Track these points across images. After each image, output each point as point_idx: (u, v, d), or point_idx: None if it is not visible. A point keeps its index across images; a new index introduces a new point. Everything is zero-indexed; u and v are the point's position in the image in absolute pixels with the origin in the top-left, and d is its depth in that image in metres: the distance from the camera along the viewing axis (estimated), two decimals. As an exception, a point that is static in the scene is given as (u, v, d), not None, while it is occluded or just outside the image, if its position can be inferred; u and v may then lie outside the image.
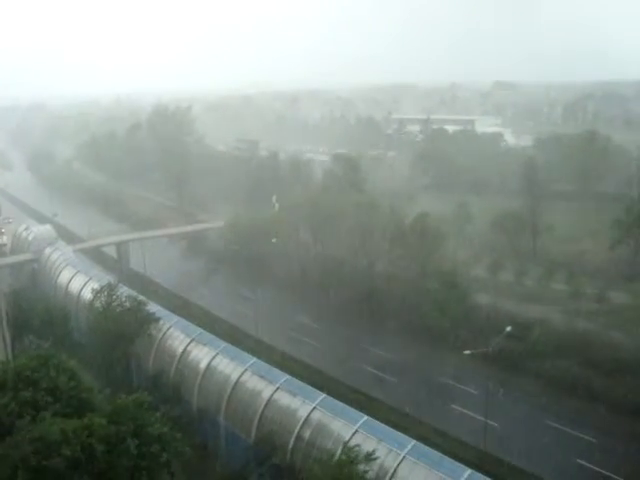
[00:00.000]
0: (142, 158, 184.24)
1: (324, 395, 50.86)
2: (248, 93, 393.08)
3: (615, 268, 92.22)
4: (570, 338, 72.65)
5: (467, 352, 56.24)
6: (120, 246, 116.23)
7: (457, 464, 42.68)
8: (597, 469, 54.07)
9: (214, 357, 58.69)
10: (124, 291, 71.68)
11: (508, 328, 58.76)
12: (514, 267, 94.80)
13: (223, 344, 60.68)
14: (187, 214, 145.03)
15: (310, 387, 52.90)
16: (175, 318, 67.66)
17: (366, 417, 47.47)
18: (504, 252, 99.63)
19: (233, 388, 54.72)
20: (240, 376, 55.14)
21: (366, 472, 40.84)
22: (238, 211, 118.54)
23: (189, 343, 61.96)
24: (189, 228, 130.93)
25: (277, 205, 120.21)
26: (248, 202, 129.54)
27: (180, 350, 61.81)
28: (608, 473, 53.53)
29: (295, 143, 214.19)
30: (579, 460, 55.25)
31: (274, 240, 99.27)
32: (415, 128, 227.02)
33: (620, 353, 69.02)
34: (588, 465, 54.56)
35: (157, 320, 65.94)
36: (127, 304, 66.76)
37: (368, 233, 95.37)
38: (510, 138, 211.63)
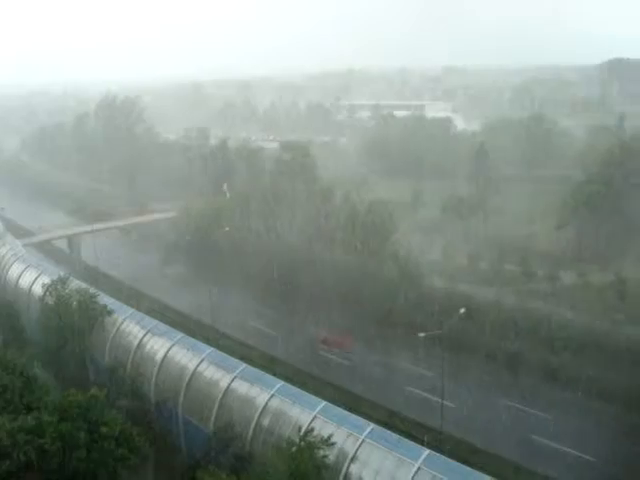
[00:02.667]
0: (91, 149, 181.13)
1: (282, 382, 51.02)
2: (197, 81, 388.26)
3: (564, 248, 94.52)
4: (522, 318, 74.27)
5: (422, 335, 56.94)
6: (71, 239, 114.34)
7: (415, 445, 43.48)
8: (551, 444, 55.69)
9: (170, 348, 58.32)
10: (76, 285, 70.58)
11: (462, 310, 59.70)
12: (467, 250, 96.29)
13: (179, 335, 60.36)
14: (139, 205, 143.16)
15: (268, 375, 53.08)
16: (129, 310, 66.99)
17: (324, 402, 47.86)
18: (457, 235, 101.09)
19: (190, 378, 54.51)
20: (197, 366, 54.95)
21: (326, 457, 41.30)
22: (190, 200, 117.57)
23: (144, 335, 61.43)
24: (141, 219, 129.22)
25: (228, 193, 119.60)
26: (199, 191, 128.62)
27: (136, 343, 61.24)
28: (560, 446, 55.16)
29: (245, 131, 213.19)
30: (534, 436, 56.72)
31: (227, 229, 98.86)
32: (365, 114, 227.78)
33: (571, 331, 70.83)
34: (542, 440, 56.10)
35: (111, 313, 65.19)
36: (79, 298, 65.77)
37: (321, 219, 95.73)
38: (460, 123, 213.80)
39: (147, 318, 65.24)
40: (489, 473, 41.21)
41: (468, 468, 41.20)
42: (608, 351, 66.16)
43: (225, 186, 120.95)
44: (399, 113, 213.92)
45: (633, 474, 50.87)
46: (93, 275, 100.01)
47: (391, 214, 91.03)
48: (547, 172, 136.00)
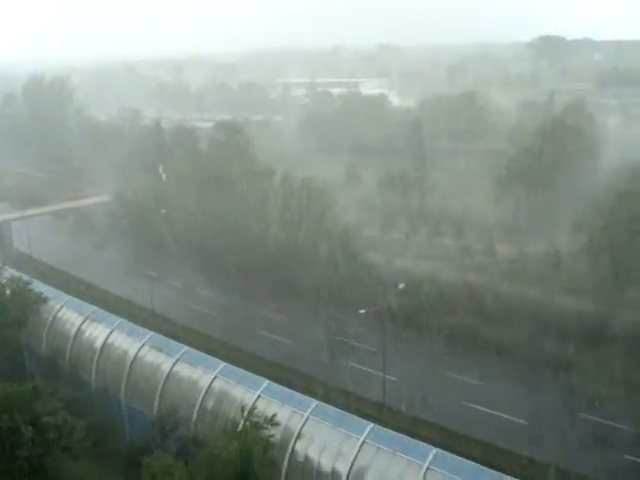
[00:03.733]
0: (19, 132, 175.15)
1: (224, 364, 51.04)
2: (130, 61, 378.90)
3: (500, 221, 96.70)
4: (460, 291, 75.81)
5: (362, 311, 57.60)
6: (2, 226, 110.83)
7: (360, 420, 44.22)
8: (489, 411, 57.44)
9: (110, 334, 57.55)
10: (9, 273, 68.71)
11: (401, 285, 60.59)
12: (404, 225, 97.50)
13: (119, 320, 59.55)
14: (72, 189, 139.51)
15: (210, 357, 52.99)
16: (66, 297, 65.64)
17: (267, 382, 48.13)
18: (394, 211, 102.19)
19: (132, 364, 53.97)
20: (138, 351, 54.43)
21: (271, 436, 41.61)
22: (124, 183, 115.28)
23: (83, 322, 60.38)
24: (75, 204, 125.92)
25: (164, 175, 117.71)
26: (134, 173, 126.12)
27: (74, 330, 60.13)
28: (498, 413, 56.97)
29: (179, 111, 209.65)
30: (473, 405, 58.29)
31: (163, 211, 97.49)
32: (300, 92, 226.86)
33: (508, 303, 72.71)
34: (481, 408, 57.76)
35: (47, 301, 63.71)
36: (13, 287, 63.96)
37: (258, 199, 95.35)
38: (395, 100, 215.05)
39: (85, 304, 64.11)
40: (431, 442, 42.35)
41: (411, 439, 42.23)
42: (543, 321, 68.28)
43: (160, 168, 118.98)
44: (334, 90, 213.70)
45: (561, 432, 52.90)
46: (27, 262, 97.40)
47: (328, 191, 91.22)
48: (481, 147, 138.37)
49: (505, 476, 37.81)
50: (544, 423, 54.80)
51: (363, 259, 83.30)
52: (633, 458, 50.41)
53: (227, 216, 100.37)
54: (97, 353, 56.86)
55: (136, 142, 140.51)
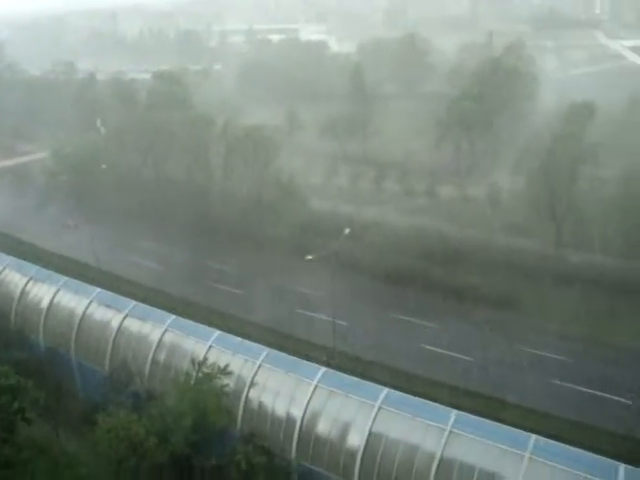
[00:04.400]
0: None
1: (174, 316, 51.03)
2: (61, 13, 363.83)
3: (442, 164, 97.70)
4: (406, 234, 76.72)
5: (309, 257, 57.77)
6: None
7: (312, 365, 45.07)
8: (439, 350, 58.80)
9: (56, 293, 56.83)
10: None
11: (346, 230, 60.86)
12: (347, 170, 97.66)
13: (64, 279, 58.68)
14: (6, 147, 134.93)
15: (159, 310, 52.85)
16: (7, 259, 64.24)
17: (218, 332, 48.42)
18: (337, 157, 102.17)
19: (80, 322, 53.55)
20: (86, 309, 53.97)
21: (225, 386, 42.08)
22: (61, 139, 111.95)
23: (27, 282, 59.39)
24: (10, 162, 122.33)
25: (102, 129, 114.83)
26: (71, 128, 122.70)
27: (18, 291, 59.14)
28: (447, 352, 58.40)
29: (115, 62, 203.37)
30: (423, 344, 59.63)
31: (103, 166, 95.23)
32: (239, 39, 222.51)
33: (452, 244, 74.02)
34: (431, 348, 59.15)
35: (-14, 264, 62.26)
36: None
37: (200, 149, 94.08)
38: (334, 45, 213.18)
39: (28, 265, 62.90)
40: (382, 383, 43.41)
41: (363, 380, 43.25)
42: (484, 260, 69.94)
43: (98, 121, 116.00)
44: (274, 37, 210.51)
45: (498, 366, 54.89)
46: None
47: (270, 139, 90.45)
48: (422, 90, 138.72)
49: (453, 410, 39.13)
50: (488, 358, 56.52)
51: (308, 206, 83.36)
52: (561, 383, 52.57)
53: (169, 168, 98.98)
54: (44, 313, 56.15)
55: (72, 96, 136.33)
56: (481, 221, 79.54)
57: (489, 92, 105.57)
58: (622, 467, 33.39)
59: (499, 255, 71.23)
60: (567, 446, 35.99)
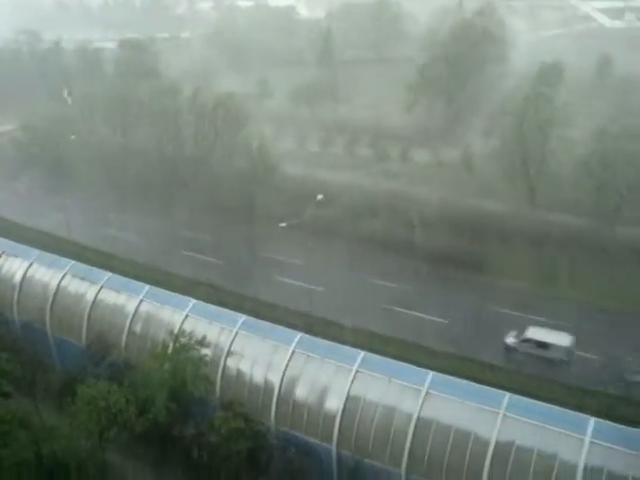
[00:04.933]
0: None
1: (149, 287, 50.87)
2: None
3: (415, 129, 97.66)
4: (378, 199, 76.96)
5: (283, 224, 57.77)
6: None
7: (289, 330, 45.20)
8: (414, 313, 59.56)
9: (29, 267, 56.17)
10: None
11: (319, 196, 60.87)
12: (319, 137, 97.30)
13: (36, 252, 58.01)
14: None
15: (134, 281, 52.66)
16: (-23, 235, 63.28)
17: (194, 301, 48.41)
18: (308, 123, 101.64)
19: (55, 295, 53.17)
20: (60, 282, 53.56)
21: (204, 356, 42.21)
22: (29, 110, 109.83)
23: (-2, 258, 58.63)
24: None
25: (70, 99, 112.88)
26: (37, 100, 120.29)
27: (-11, 267, 58.36)
28: (422, 314, 59.15)
29: (81, 32, 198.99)
30: (397, 307, 60.20)
31: (72, 137, 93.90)
32: (207, 5, 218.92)
33: (425, 208, 74.41)
34: (403, 310, 59.81)
35: (-48, 239, 61.22)
36: None
37: (170, 119, 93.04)
38: (303, 11, 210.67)
39: (-1, 240, 62.05)
40: (359, 347, 43.79)
41: (339, 344, 43.66)
42: (458, 223, 70.50)
43: (66, 92, 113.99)
44: (242, 3, 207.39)
45: (474, 327, 56.05)
46: None
47: (240, 106, 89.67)
48: (394, 55, 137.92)
49: (430, 371, 39.68)
50: (462, 319, 57.31)
51: (281, 173, 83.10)
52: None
53: (140, 138, 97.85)
54: (17, 288, 55.54)
55: (37, 66, 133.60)
56: (454, 184, 79.99)
57: (461, 55, 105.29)
58: (592, 420, 34.25)
59: (472, 217, 71.81)
60: (540, 402, 36.81)
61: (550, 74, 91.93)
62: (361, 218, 73.08)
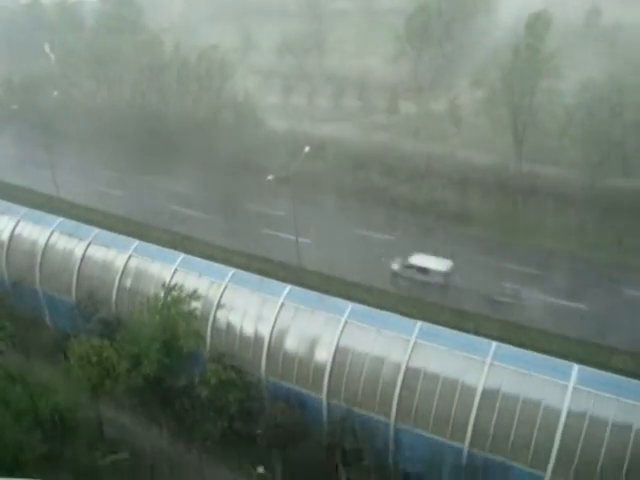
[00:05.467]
0: None
1: (138, 242, 50.95)
2: None
3: (402, 80, 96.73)
4: (367, 151, 76.72)
5: (270, 177, 57.58)
6: None
7: (277, 283, 45.53)
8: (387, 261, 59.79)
9: (17, 225, 56.04)
10: None
11: (306, 149, 60.51)
12: (306, 89, 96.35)
13: (24, 210, 57.78)
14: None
15: (123, 237, 52.67)
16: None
17: (183, 255, 48.61)
18: (294, 75, 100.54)
19: (43, 252, 53.21)
20: (48, 239, 53.54)
21: (194, 310, 42.56)
22: (9, 67, 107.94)
23: (-16, 217, 58.25)
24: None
25: (52, 55, 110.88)
26: (19, 56, 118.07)
27: (-25, 226, 57.99)
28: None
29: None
30: (383, 259, 60.36)
31: (55, 93, 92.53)
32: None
33: (413, 160, 74.27)
34: (388, 261, 60.02)
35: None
36: None
37: (154, 73, 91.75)
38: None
39: (-17, 198, 61.60)
40: (347, 298, 44.31)
41: (328, 296, 44.17)
42: (445, 175, 70.60)
43: (48, 48, 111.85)
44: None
45: (467, 277, 56.29)
46: None
47: (225, 59, 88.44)
48: (382, 6, 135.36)
49: (418, 321, 40.24)
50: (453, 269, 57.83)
51: (267, 126, 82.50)
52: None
53: (124, 93, 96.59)
54: (5, 246, 55.51)
55: (15, 22, 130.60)
56: (442, 136, 79.72)
57: (448, 5, 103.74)
58: (576, 367, 35.00)
59: (459, 169, 71.84)
60: (525, 350, 37.57)
61: (537, 24, 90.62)
62: (348, 170, 72.88)
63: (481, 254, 59.62)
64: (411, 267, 57.24)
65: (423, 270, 56.60)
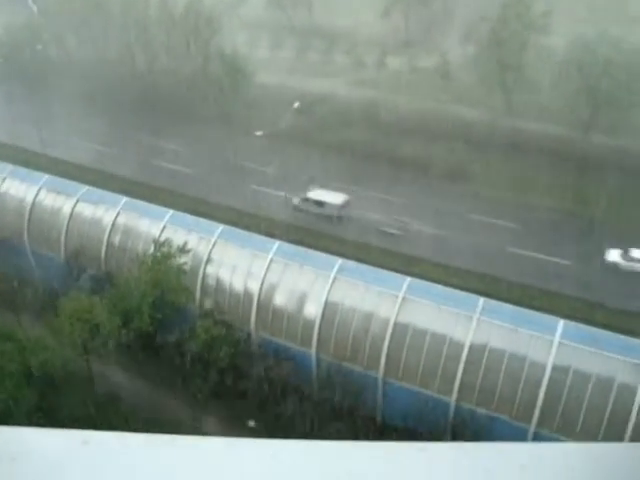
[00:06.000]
0: None
1: (126, 198, 50.76)
2: None
3: (391, 35, 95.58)
4: (355, 106, 76.15)
5: (259, 133, 57.25)
6: None
7: (266, 239, 45.76)
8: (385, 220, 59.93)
9: (2, 183, 55.59)
10: None
11: (296, 104, 60.09)
12: (295, 44, 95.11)
13: (9, 167, 57.16)
14: None
15: (111, 193, 52.42)
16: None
17: (172, 211, 48.48)
18: (283, 30, 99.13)
19: (31, 210, 52.92)
20: (35, 196, 53.19)
21: (184, 264, 42.74)
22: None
23: (-31, 175, 57.64)
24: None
25: (35, 7, 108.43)
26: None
27: (-38, 185, 57.45)
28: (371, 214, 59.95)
29: None
30: (371, 214, 60.54)
31: (39, 47, 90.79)
32: None
33: (402, 115, 73.80)
34: (374, 217, 60.11)
35: None
36: None
37: (140, 26, 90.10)
38: None
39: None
40: (335, 254, 44.44)
41: (317, 252, 44.33)
42: (434, 130, 70.29)
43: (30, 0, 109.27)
44: None
45: (455, 236, 56.60)
46: None
47: (212, 12, 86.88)
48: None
49: (407, 277, 40.59)
50: (440, 226, 58.04)
51: (256, 80, 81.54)
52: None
53: (109, 47, 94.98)
54: (-9, 204, 55.12)
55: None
56: (431, 92, 79.20)
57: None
58: (561, 322, 35.56)
59: (449, 125, 71.53)
60: (512, 306, 38.09)
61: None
62: (337, 126, 72.43)
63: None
64: (308, 200, 60.99)
65: (319, 203, 60.56)
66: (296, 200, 61.26)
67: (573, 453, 2.27)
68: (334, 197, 60.84)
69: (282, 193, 58.32)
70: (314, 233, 56.81)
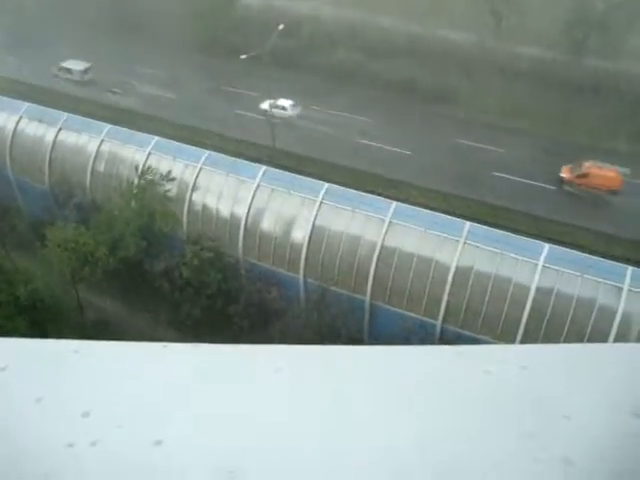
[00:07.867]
0: None
1: (110, 126, 49.98)
2: None
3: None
4: (341, 28, 74.39)
5: (243, 57, 55.81)
6: None
7: (253, 165, 45.34)
8: (374, 144, 59.35)
9: (-19, 113, 54.39)
10: None
11: (280, 26, 58.51)
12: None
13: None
14: None
15: (94, 121, 51.47)
16: None
17: (157, 138, 47.84)
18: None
19: (12, 139, 52.00)
20: (16, 125, 52.21)
21: (168, 191, 42.51)
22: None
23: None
24: None
25: None
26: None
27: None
28: (383, 145, 59.04)
29: None
30: (358, 139, 59.81)
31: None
32: None
33: (390, 38, 72.18)
34: (367, 142, 59.54)
35: None
36: None
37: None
38: None
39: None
40: (319, 178, 44.27)
41: (303, 177, 44.09)
42: (422, 53, 69.00)
43: None
44: None
45: (438, 158, 56.47)
46: None
47: None
48: None
49: (393, 201, 40.61)
50: (424, 149, 57.62)
51: (239, 1, 79.24)
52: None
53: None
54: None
55: None
56: (420, 14, 77.04)
57: None
58: (546, 247, 35.93)
59: (438, 48, 70.03)
60: (497, 230, 38.35)
61: None
62: (323, 49, 70.83)
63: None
64: (62, 69, 72.56)
65: (68, 70, 72.21)
66: (54, 69, 72.77)
67: (575, 354, 2.28)
68: (79, 65, 72.81)
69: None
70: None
